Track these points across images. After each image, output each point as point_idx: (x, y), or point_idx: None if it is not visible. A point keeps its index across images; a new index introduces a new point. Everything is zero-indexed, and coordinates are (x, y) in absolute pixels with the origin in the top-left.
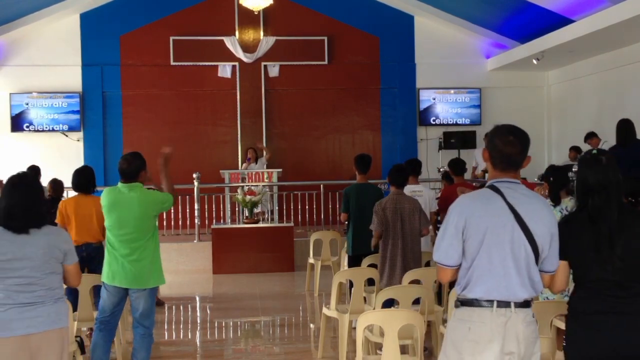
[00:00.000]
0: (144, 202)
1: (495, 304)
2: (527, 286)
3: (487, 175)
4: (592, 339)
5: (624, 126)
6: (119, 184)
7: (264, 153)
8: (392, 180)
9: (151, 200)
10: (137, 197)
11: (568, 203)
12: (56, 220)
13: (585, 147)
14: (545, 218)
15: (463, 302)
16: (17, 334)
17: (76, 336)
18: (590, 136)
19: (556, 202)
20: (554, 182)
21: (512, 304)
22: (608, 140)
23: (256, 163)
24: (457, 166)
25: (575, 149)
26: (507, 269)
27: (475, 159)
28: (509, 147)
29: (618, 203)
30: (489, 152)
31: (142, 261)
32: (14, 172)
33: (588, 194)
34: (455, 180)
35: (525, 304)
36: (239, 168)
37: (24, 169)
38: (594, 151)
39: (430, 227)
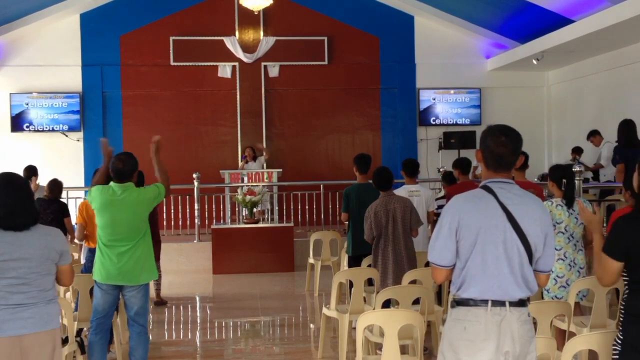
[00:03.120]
0: (138, 202)
1: (489, 303)
2: (522, 285)
3: None
4: None
5: (628, 127)
6: (112, 184)
7: (264, 153)
8: (376, 185)
9: (144, 199)
10: (131, 197)
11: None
12: (77, 221)
13: (587, 145)
14: (538, 218)
15: (458, 302)
16: (8, 335)
17: (76, 336)
18: (593, 134)
19: (570, 204)
20: (569, 184)
21: (507, 303)
22: (610, 140)
23: (254, 161)
24: (466, 166)
25: (576, 150)
26: (501, 269)
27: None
28: (501, 147)
29: None
30: (482, 152)
31: (135, 258)
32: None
33: None
34: (460, 179)
35: (520, 303)
36: (238, 168)
37: (22, 170)
38: None
39: (429, 226)
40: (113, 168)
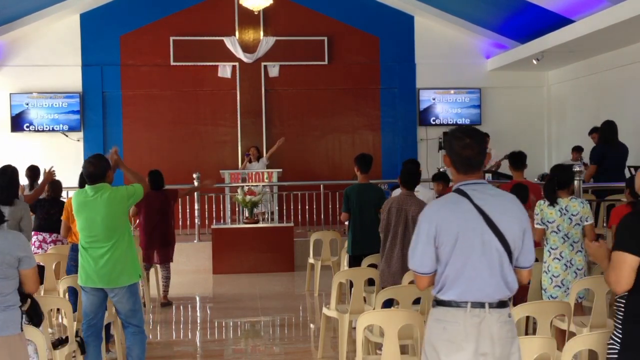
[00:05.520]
0: (111, 201)
1: (469, 304)
2: (502, 287)
3: (487, 175)
4: None
5: (609, 127)
6: (86, 187)
7: (264, 152)
8: (402, 181)
9: (118, 198)
10: (103, 197)
11: (568, 203)
12: (62, 217)
13: (589, 141)
14: (514, 215)
15: (439, 302)
16: None
17: (76, 336)
18: (595, 130)
19: (552, 201)
20: (550, 180)
21: (487, 305)
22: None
23: (257, 162)
24: None
25: (577, 150)
26: (480, 272)
27: None
28: (468, 150)
29: None
30: (450, 157)
31: (113, 260)
32: None
33: None
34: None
35: (500, 304)
36: (239, 167)
37: (24, 170)
38: None
39: None
40: (85, 172)
